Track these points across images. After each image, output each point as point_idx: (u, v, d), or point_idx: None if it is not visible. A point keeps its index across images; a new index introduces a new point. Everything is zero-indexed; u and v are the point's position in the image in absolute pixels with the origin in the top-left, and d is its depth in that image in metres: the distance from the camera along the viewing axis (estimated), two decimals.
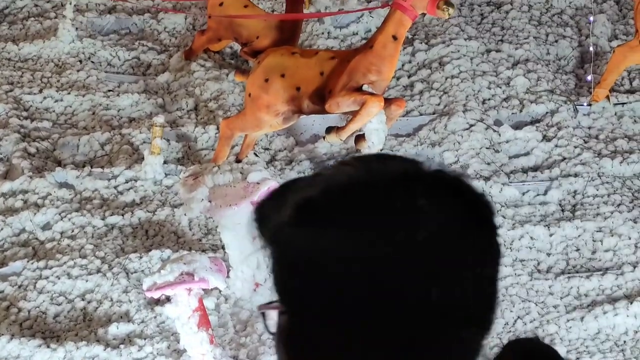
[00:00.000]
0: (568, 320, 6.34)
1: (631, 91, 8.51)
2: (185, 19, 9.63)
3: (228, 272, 6.08)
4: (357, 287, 1.09)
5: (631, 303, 6.27)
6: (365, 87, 6.47)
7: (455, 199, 1.11)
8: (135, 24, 9.57)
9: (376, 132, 6.62)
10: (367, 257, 1.08)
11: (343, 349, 1.12)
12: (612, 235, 6.94)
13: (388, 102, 6.58)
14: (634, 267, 6.64)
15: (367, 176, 1.12)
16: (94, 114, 8.22)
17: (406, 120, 8.09)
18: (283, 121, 7.07)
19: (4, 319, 6.12)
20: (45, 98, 8.30)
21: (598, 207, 7.20)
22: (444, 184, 1.12)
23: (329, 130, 6.78)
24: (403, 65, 8.72)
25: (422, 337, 1.11)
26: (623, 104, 8.30)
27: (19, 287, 6.35)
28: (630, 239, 6.90)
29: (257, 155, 7.66)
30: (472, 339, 1.15)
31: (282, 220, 1.13)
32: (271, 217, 1.17)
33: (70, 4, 8.97)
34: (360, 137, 6.71)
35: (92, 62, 8.83)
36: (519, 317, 6.36)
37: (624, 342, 6.22)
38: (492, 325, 1.14)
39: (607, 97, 8.22)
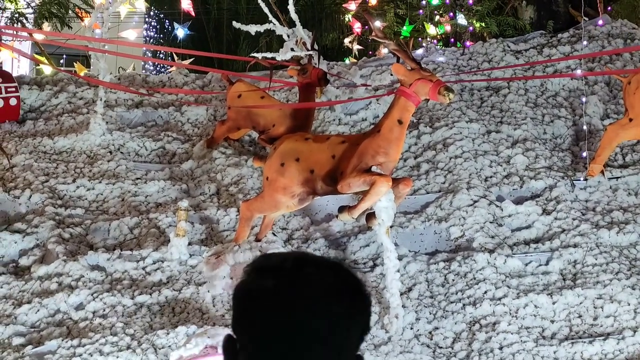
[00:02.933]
0: None
1: (624, 166, 8.56)
2: (207, 110, 9.83)
3: None
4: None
5: None
6: (374, 169, 6.49)
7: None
8: (161, 117, 9.78)
9: (385, 209, 6.64)
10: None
11: None
12: (612, 302, 6.85)
13: (396, 181, 6.62)
14: (634, 331, 6.53)
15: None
16: (123, 200, 8.31)
17: (414, 198, 8.15)
18: (299, 202, 7.10)
19: None
20: (78, 187, 8.41)
21: (598, 276, 7.14)
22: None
23: (342, 209, 6.79)
24: (409, 147, 8.83)
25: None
26: (617, 177, 8.32)
27: None
28: (629, 304, 6.81)
29: (275, 235, 7.67)
30: None
31: None
32: None
33: (101, 100, 9.18)
34: (371, 215, 6.74)
35: (122, 152, 8.98)
36: None
37: None
38: None
39: (602, 172, 8.27)
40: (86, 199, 8.33)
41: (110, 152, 8.93)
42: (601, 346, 6.46)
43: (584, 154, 8.54)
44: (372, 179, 6.43)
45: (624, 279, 7.10)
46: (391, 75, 9.21)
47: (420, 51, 11.28)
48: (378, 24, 12.48)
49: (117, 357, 6.30)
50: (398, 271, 6.89)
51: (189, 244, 7.42)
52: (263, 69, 10.35)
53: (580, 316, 6.85)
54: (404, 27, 13.52)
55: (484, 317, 6.84)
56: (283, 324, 1.65)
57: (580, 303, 6.93)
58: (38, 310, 6.81)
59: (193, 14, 13.21)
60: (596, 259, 7.34)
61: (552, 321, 6.84)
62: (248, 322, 1.71)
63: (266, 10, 8.99)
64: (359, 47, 14.76)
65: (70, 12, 13.75)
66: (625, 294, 6.91)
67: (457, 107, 9.24)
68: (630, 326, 6.61)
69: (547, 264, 7.43)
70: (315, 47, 9.05)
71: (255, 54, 8.82)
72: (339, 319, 1.67)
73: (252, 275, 1.73)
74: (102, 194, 8.37)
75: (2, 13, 13.88)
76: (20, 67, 16.57)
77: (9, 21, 13.43)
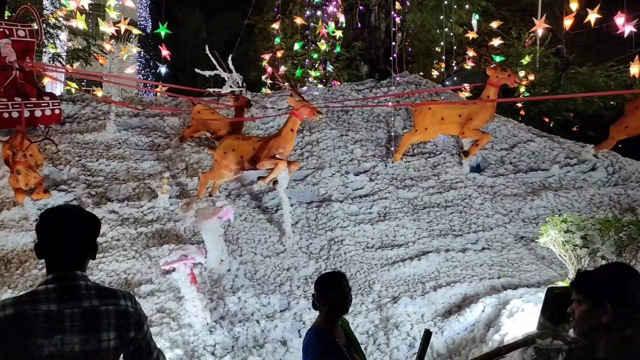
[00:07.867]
0: (382, 271, 6.62)
1: (412, 155, 8.89)
2: (179, 119, 9.76)
3: (206, 254, 6.17)
4: None
5: (411, 261, 6.63)
6: (277, 156, 6.69)
7: None
8: (151, 122, 9.51)
9: (283, 179, 6.90)
10: None
11: None
12: (403, 228, 7.30)
13: (289, 163, 6.83)
14: (414, 243, 7.00)
15: None
16: (128, 172, 8.11)
17: (299, 171, 8.25)
18: (234, 174, 7.22)
19: None
20: (99, 164, 8.15)
21: (397, 214, 7.56)
22: None
23: (259, 178, 6.97)
24: (297, 143, 8.92)
25: None
26: (409, 161, 8.67)
27: (89, 267, 6.16)
28: (411, 229, 7.25)
29: (219, 193, 7.75)
30: None
31: None
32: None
33: (113, 112, 8.95)
34: (275, 182, 6.95)
35: (127, 144, 8.73)
36: (357, 271, 6.61)
37: (409, 280, 6.50)
38: None
39: (401, 158, 8.61)
40: (105, 171, 8.11)
41: (119, 143, 8.71)
42: (397, 251, 6.92)
43: (392, 149, 8.92)
44: (275, 161, 6.66)
45: (410, 215, 7.56)
46: (287, 103, 9.42)
47: (304, 88, 11.57)
48: (281, 69, 12.64)
49: (127, 263, 6.32)
50: (290, 212, 7.15)
51: (169, 197, 7.41)
52: (211, 96, 10.42)
53: (387, 235, 7.25)
54: (296, 71, 13.78)
55: (336, 237, 7.18)
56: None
57: (387, 229, 7.33)
58: None
59: (169, 59, 12.87)
60: (396, 205, 7.74)
61: (372, 239, 7.21)
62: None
63: (214, 61, 9.06)
64: (270, 81, 14.90)
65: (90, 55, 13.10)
66: (409, 224, 7.38)
67: (324, 121, 9.45)
68: (411, 240, 7.10)
69: (371, 208, 7.73)
70: (244, 84, 9.21)
71: (210, 89, 8.83)
72: None
73: None
74: (115, 169, 8.16)
75: (44, 53, 13.09)
76: (56, 89, 15.69)
77: (50, 59, 12.70)
